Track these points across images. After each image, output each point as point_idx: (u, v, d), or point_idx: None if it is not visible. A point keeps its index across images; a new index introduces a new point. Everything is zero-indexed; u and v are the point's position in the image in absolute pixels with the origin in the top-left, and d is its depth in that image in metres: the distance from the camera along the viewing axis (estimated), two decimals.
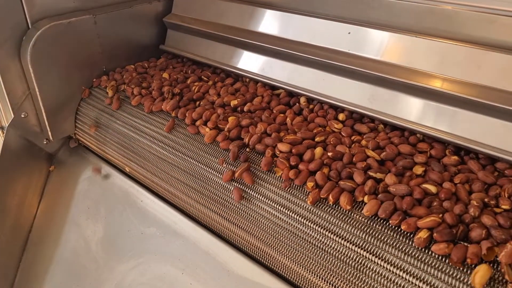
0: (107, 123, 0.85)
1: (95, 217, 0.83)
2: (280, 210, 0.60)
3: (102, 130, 0.86)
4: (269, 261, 0.63)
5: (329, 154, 0.61)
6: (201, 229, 0.72)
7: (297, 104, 0.74)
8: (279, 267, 0.62)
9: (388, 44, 0.69)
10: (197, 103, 0.78)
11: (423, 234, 0.49)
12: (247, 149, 0.66)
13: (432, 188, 0.54)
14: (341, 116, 0.70)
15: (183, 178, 0.71)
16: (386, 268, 0.51)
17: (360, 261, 0.53)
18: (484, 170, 0.57)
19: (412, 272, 0.50)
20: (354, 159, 0.60)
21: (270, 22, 0.83)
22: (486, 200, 0.53)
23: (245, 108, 0.74)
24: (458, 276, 0.47)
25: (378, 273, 0.52)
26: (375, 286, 0.52)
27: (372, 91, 0.70)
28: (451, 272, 0.48)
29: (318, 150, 0.61)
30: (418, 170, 0.58)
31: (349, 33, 0.73)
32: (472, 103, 0.59)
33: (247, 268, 0.66)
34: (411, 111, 0.66)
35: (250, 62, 0.86)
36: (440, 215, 0.50)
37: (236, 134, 0.67)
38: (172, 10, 1.00)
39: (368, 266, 0.52)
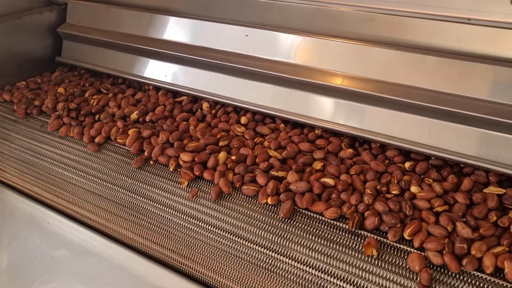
0: (1, 146, 0.77)
1: None
2: (188, 220, 0.58)
3: None
4: (185, 270, 0.61)
5: (233, 157, 0.60)
6: (114, 244, 0.67)
7: (200, 110, 0.72)
8: (195, 274, 0.60)
9: (283, 45, 0.69)
10: (97, 116, 0.72)
11: None
12: (151, 162, 0.63)
13: (330, 181, 0.55)
14: (243, 120, 0.69)
15: (90, 198, 0.67)
16: (295, 266, 0.51)
17: (269, 261, 0.53)
18: (376, 160, 0.59)
19: (319, 267, 0.50)
20: (257, 160, 0.60)
21: (169, 28, 0.81)
22: (378, 187, 0.55)
23: (147, 118, 0.70)
24: (361, 266, 0.49)
25: (288, 271, 0.52)
26: (286, 283, 0.52)
27: (272, 90, 0.70)
28: (355, 263, 0.49)
29: (222, 155, 0.60)
30: (317, 165, 0.59)
31: (246, 35, 0.73)
32: (362, 95, 0.62)
33: (165, 277, 0.63)
34: (310, 107, 0.67)
35: (152, 70, 0.82)
36: (338, 208, 0.51)
37: (138, 148, 0.63)
38: (67, 19, 0.93)
39: (278, 265, 0.52)
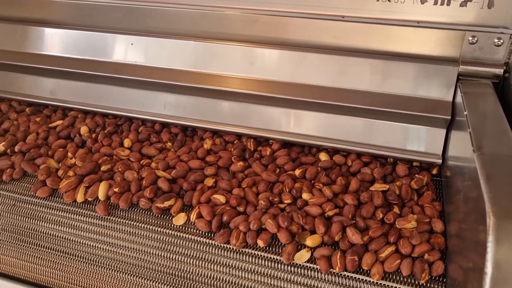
0: None
1: None
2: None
3: None
4: None
5: (115, 189, 0.48)
6: None
7: (78, 135, 0.60)
8: None
9: (172, 51, 0.62)
10: None
11: None
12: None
13: (220, 198, 0.47)
14: (126, 142, 0.58)
15: None
16: None
17: None
18: (266, 170, 0.52)
19: None
20: (143, 183, 0.49)
21: (49, 41, 0.67)
22: (271, 198, 0.48)
23: (16, 149, 0.56)
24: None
25: None
26: None
27: (165, 98, 0.62)
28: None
29: (102, 188, 0.49)
30: (209, 182, 0.51)
31: (132, 44, 0.64)
32: (253, 96, 0.57)
33: None
34: (206, 111, 0.60)
35: (33, 87, 0.67)
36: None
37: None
38: None
39: None
